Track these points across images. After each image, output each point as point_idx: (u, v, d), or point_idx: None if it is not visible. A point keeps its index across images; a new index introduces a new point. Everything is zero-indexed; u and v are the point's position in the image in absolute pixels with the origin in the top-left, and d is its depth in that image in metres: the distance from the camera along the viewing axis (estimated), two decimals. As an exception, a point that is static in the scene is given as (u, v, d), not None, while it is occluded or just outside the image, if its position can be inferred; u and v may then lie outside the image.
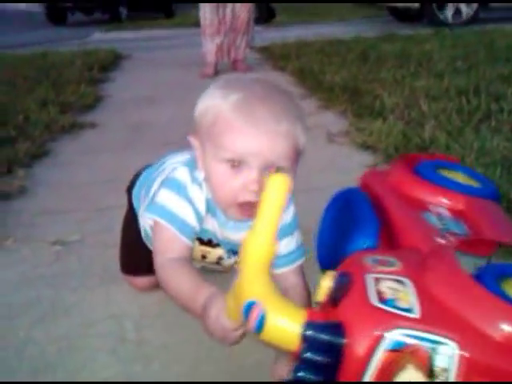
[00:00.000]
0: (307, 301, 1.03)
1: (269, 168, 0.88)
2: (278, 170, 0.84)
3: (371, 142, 2.22)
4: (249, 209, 0.93)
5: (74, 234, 1.58)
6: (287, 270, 1.06)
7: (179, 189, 1.00)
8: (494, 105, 2.54)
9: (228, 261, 1.13)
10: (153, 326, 1.17)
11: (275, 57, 4.87)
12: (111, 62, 5.03)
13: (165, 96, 3.51)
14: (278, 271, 1.05)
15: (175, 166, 1.04)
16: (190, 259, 1.00)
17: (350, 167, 1.99)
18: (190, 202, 1.00)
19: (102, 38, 8.17)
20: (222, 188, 0.95)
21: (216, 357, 1.06)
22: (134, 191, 1.24)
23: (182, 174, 1.01)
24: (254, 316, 0.69)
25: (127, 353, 1.09)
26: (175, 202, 1.00)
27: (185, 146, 1.06)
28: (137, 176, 1.27)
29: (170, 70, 4.68)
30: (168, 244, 0.99)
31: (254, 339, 0.72)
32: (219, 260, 1.12)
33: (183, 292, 0.91)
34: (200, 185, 1.00)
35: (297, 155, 0.95)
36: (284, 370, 0.97)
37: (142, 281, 1.26)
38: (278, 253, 1.02)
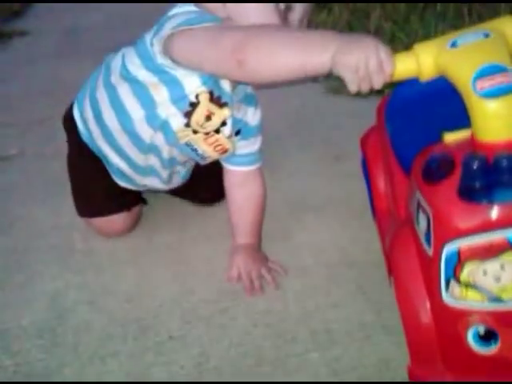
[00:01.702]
0: (260, 204, 1.07)
1: None
2: None
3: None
4: None
5: (12, 147, 1.52)
6: (246, 170, 1.07)
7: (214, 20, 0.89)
8: (439, -10, 2.48)
9: (228, 130, 0.98)
10: (100, 236, 1.14)
11: None
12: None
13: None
14: (237, 168, 1.07)
15: None
16: None
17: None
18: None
19: None
20: None
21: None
22: (77, 105, 1.09)
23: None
24: (497, 82, 0.63)
25: (77, 263, 1.09)
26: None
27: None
28: (72, 104, 1.12)
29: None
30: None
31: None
32: (221, 126, 0.97)
33: (296, 41, 0.77)
34: None
35: None
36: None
37: (117, 219, 1.13)
38: (240, 152, 1.05)
